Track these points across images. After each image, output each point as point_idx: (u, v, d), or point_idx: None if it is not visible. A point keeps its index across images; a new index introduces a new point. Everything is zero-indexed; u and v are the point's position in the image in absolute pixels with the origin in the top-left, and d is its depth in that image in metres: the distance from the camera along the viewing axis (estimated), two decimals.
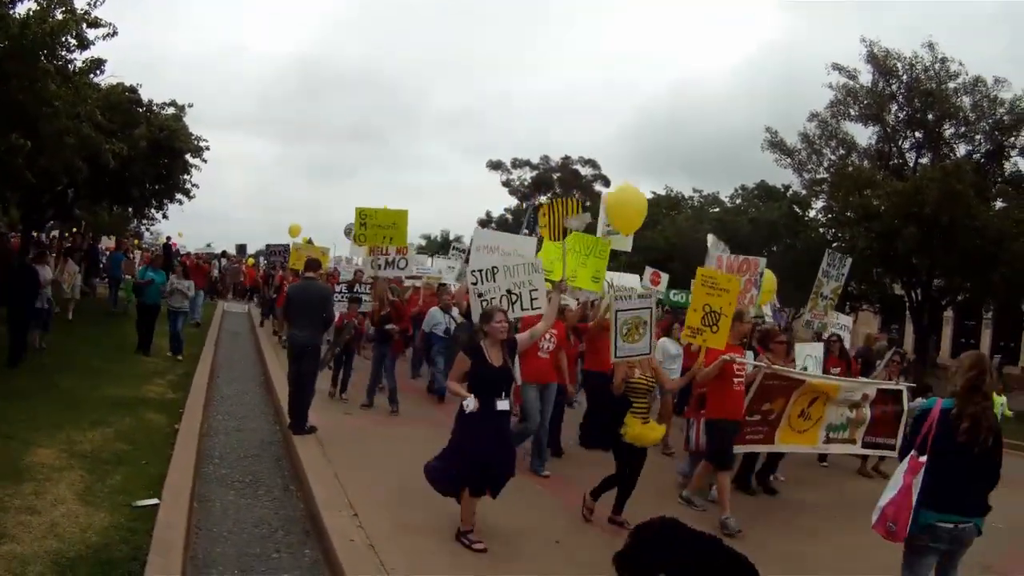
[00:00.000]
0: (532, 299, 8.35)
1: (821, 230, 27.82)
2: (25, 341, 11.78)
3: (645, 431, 6.74)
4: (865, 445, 9.26)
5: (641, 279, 16.10)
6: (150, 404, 9.97)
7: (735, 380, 7.57)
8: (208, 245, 46.59)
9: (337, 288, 13.80)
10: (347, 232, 19.08)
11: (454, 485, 6.08)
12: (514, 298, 8.31)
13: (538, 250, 10.46)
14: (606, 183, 54.26)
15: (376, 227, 11.25)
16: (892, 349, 11.15)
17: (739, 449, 7.93)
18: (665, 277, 17.56)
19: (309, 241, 23.35)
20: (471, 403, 5.80)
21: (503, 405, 6.02)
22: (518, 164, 55.75)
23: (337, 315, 11.65)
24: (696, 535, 4.28)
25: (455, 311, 12.61)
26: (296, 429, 9.08)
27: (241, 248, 39.54)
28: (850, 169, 25.15)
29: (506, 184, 55.77)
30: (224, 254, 38.19)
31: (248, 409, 11.22)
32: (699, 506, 7.75)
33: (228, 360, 15.81)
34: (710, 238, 13.71)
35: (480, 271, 8.59)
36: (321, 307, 9.60)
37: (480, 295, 8.48)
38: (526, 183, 55.48)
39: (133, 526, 5.66)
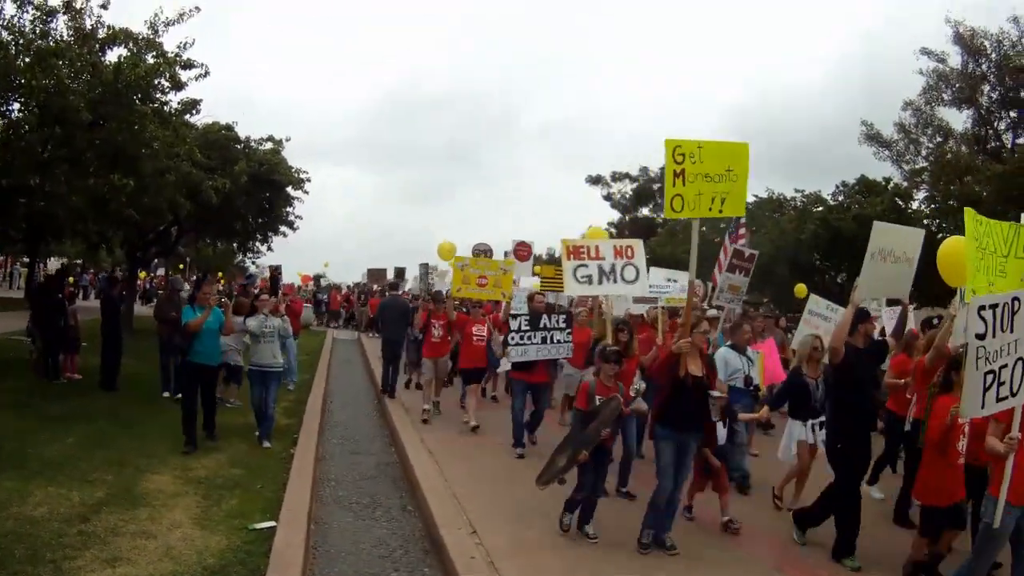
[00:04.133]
0: None
1: (925, 221, 26.47)
2: (57, 363, 12.08)
3: None
4: None
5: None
6: None
7: None
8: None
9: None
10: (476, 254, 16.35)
11: None
12: None
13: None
14: None
15: (700, 178, 6.18)
16: None
17: None
18: None
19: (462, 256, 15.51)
20: None
21: None
22: (618, 177, 55.13)
23: (555, 372, 9.97)
24: None
25: (751, 351, 8.73)
26: (387, 393, 13.15)
27: (400, 272, 31.68)
28: (948, 156, 24.66)
29: (607, 198, 55.01)
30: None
31: (363, 433, 11.06)
32: None
33: (340, 387, 15.69)
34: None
35: (992, 310, 4.60)
36: (403, 317, 13.55)
37: (985, 357, 4.56)
38: (627, 196, 54.65)
39: (250, 548, 5.54)
